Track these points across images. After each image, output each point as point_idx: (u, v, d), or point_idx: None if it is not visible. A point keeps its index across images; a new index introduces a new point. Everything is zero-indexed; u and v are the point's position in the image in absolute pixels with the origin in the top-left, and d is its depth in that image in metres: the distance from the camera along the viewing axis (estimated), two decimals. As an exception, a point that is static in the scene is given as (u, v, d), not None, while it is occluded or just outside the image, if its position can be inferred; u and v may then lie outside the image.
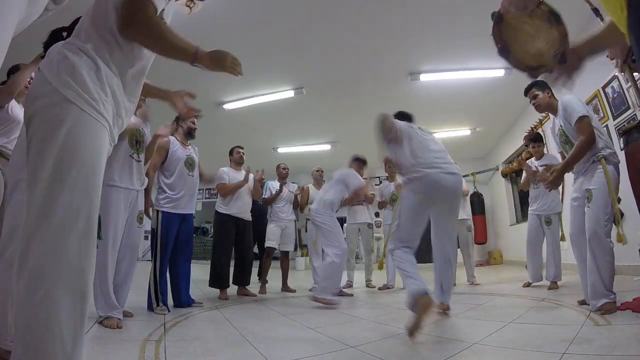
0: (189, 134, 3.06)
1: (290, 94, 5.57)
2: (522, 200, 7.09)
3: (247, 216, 3.77)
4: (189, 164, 2.95)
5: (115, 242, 2.13)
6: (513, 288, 3.59)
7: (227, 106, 5.98)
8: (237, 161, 3.86)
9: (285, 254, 4.33)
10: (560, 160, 2.81)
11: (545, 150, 3.94)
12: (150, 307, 2.60)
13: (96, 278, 2.05)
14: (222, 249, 3.53)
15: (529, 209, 3.69)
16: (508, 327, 1.90)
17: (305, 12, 3.89)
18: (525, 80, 1.12)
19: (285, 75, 5.21)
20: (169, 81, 2.66)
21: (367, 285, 4.31)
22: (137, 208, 2.30)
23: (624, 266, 3.53)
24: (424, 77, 5.04)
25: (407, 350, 1.63)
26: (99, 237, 1.20)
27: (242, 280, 3.71)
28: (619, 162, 2.15)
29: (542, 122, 5.56)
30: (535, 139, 3.78)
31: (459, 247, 4.31)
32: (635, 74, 3.28)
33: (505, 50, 1.05)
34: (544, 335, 1.69)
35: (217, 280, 3.46)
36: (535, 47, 1.01)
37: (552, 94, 2.42)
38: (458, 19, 3.94)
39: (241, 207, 3.67)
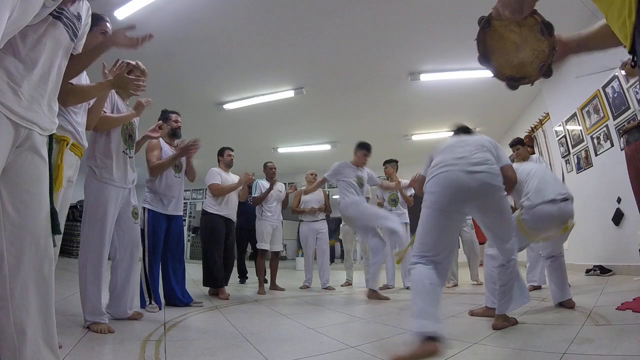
0: (174, 134, 3.02)
1: (290, 94, 5.58)
2: (522, 200, 7.06)
3: (234, 217, 3.81)
4: (176, 165, 2.92)
5: (106, 242, 2.01)
6: (513, 288, 3.58)
7: (227, 106, 5.98)
8: (227, 163, 3.87)
9: (276, 254, 4.38)
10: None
11: (538, 153, 3.89)
12: (143, 305, 2.60)
13: (85, 279, 1.94)
14: (215, 249, 3.51)
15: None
16: (508, 327, 1.90)
17: (306, 11, 3.89)
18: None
19: (285, 75, 5.22)
20: (170, 83, 2.66)
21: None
22: (130, 204, 2.21)
23: (624, 266, 3.53)
24: (424, 77, 5.05)
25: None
26: (58, 232, 1.14)
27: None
28: None
29: (543, 122, 5.56)
30: (513, 143, 3.77)
31: (462, 245, 4.32)
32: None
33: (486, 58, 1.02)
34: (544, 335, 1.69)
35: (212, 280, 3.44)
36: (518, 58, 0.98)
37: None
38: (458, 19, 3.94)
39: (231, 208, 3.72)
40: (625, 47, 0.69)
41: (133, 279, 2.27)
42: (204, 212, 3.67)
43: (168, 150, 2.92)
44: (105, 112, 2.05)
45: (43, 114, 1.08)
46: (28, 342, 0.98)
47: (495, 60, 1.01)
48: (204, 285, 3.54)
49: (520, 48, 0.97)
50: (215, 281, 3.46)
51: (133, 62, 2.03)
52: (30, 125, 1.03)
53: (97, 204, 2.02)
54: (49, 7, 0.99)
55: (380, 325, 2.20)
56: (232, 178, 3.76)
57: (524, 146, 3.76)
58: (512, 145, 3.83)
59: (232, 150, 3.94)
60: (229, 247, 3.76)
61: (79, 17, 1.23)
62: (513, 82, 1.02)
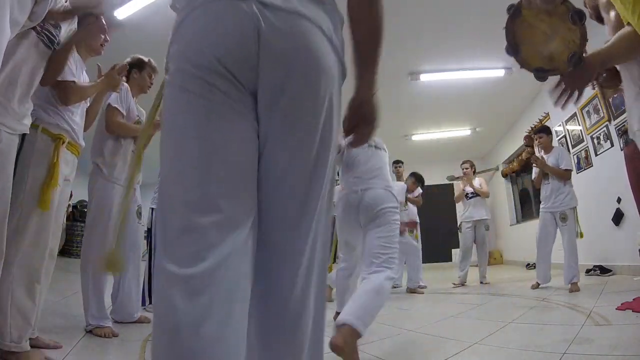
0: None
1: (290, 93, 5.56)
2: (522, 200, 7.09)
3: None
4: None
5: (109, 244, 1.96)
6: (513, 288, 3.59)
7: (227, 106, 5.97)
8: None
9: None
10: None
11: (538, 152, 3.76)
12: (143, 305, 2.58)
13: (87, 283, 1.89)
14: None
15: (541, 206, 3.42)
16: (508, 327, 1.90)
17: (305, 12, 3.89)
18: (525, 79, 1.07)
19: (285, 75, 5.21)
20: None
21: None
22: (135, 204, 2.21)
23: (624, 266, 3.53)
24: (424, 77, 5.04)
25: (407, 350, 1.63)
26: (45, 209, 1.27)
27: None
28: None
29: (543, 122, 5.56)
30: (539, 130, 3.62)
31: (475, 245, 4.31)
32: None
33: (514, 48, 0.98)
34: (544, 335, 1.69)
35: None
36: (549, 49, 0.95)
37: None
38: (458, 19, 3.95)
39: None
40: None
41: (138, 282, 2.24)
42: None
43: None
44: (120, 111, 2.03)
45: (10, 116, 1.14)
46: None
47: (525, 51, 0.97)
48: None
49: (550, 38, 0.94)
50: None
51: (125, 63, 2.00)
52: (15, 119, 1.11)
53: (102, 204, 1.97)
54: (27, 26, 1.08)
55: (380, 325, 2.20)
56: None
57: (548, 135, 3.57)
58: (538, 132, 3.63)
59: None
60: None
61: (56, 26, 1.25)
62: (542, 73, 0.98)
